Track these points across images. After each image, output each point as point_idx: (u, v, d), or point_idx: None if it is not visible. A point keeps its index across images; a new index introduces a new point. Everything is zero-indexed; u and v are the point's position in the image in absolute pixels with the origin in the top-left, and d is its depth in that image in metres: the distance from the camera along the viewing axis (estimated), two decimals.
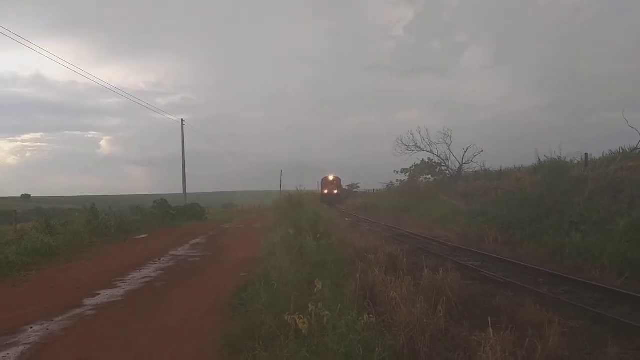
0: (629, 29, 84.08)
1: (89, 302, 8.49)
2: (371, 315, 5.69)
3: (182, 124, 42.60)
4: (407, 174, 41.48)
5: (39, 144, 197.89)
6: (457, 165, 34.67)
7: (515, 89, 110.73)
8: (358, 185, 69.87)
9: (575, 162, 19.32)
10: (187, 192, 43.60)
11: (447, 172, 35.98)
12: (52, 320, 7.22)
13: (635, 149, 17.77)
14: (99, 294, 9.06)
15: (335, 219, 24.64)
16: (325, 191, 58.96)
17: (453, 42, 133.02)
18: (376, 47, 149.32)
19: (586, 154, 19.07)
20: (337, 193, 60.19)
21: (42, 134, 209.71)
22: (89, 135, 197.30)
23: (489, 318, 5.30)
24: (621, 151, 18.60)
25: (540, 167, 20.82)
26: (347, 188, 66.88)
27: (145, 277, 10.88)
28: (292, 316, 5.36)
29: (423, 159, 38.24)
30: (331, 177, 61.49)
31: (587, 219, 13.58)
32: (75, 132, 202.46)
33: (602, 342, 5.98)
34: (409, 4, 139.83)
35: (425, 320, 5.56)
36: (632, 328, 6.55)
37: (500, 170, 27.38)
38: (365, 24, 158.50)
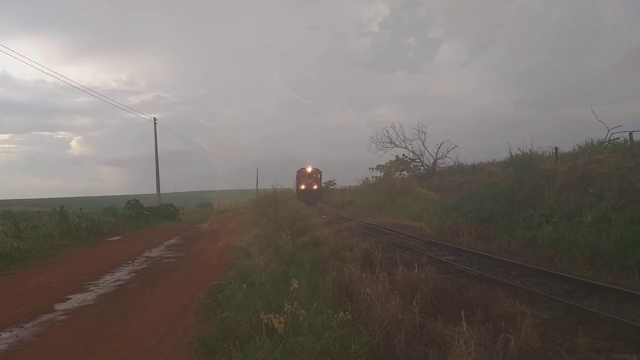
0: (599, 26, 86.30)
1: (60, 307, 8.29)
2: (347, 313, 5.70)
3: (155, 123, 41.98)
4: (383, 170, 41.82)
5: (7, 145, 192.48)
6: (432, 161, 35.17)
7: (489, 85, 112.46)
8: (334, 182, 63.49)
9: (546, 155, 19.71)
10: (162, 192, 42.95)
11: (422, 167, 36.41)
12: (22, 327, 7.03)
13: (603, 142, 18.20)
14: (70, 299, 8.86)
15: (312, 217, 24.62)
16: (303, 186, 49.44)
17: (428, 39, 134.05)
18: (353, 44, 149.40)
19: (556, 148, 19.48)
20: (316, 189, 50.30)
21: (10, 135, 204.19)
22: (58, 136, 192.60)
23: (463, 312, 5.35)
24: (590, 144, 19.04)
25: (512, 161, 21.16)
26: (324, 185, 58.55)
27: (118, 280, 10.69)
28: (268, 316, 5.33)
29: (398, 155, 38.69)
30: (309, 169, 50.98)
31: (558, 211, 13.86)
32: (44, 133, 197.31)
33: (573, 333, 6.11)
34: (384, 0, 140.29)
35: (400, 316, 5.59)
36: (601, 318, 6.71)
37: (474, 164, 27.79)
38: (342, 21, 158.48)
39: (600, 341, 5.95)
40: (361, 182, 47.69)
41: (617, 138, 17.81)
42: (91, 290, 9.59)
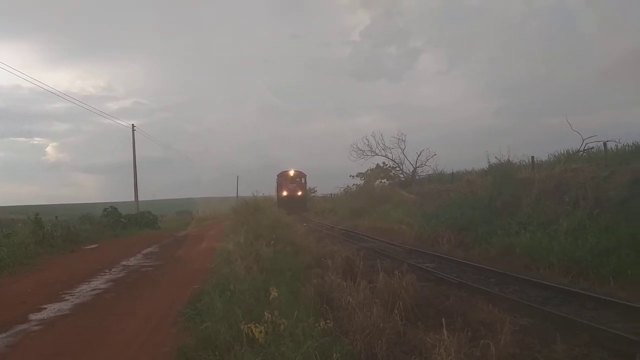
0: (575, 37, 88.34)
1: (35, 317, 8.09)
2: (328, 321, 5.68)
3: (133, 129, 41.54)
4: (363, 178, 42.01)
5: None
6: (411, 169, 35.46)
7: (468, 94, 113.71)
8: (315, 189, 60.71)
9: (523, 164, 19.98)
10: (140, 199, 42.45)
11: (402, 175, 36.68)
12: None
13: (578, 151, 18.58)
14: (45, 308, 8.65)
15: (293, 225, 24.55)
16: (285, 192, 43.90)
17: (408, 48, 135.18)
18: (336, 52, 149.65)
19: (532, 157, 19.77)
20: (301, 195, 44.85)
21: None
22: (34, 142, 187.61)
23: (443, 319, 5.39)
24: (565, 153, 19.41)
25: (490, 170, 21.42)
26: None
27: (95, 289, 10.49)
28: (248, 325, 5.28)
29: (378, 163, 38.92)
30: (292, 172, 45.43)
31: (535, 219, 14.07)
32: (19, 139, 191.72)
33: (551, 339, 6.19)
34: (365, 10, 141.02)
35: (381, 324, 5.60)
36: (579, 325, 6.82)
37: (453, 173, 28.08)
38: (325, 30, 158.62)
39: (577, 348, 6.04)
40: (342, 190, 47.73)
41: (592, 148, 18.24)
42: (67, 300, 9.38)
